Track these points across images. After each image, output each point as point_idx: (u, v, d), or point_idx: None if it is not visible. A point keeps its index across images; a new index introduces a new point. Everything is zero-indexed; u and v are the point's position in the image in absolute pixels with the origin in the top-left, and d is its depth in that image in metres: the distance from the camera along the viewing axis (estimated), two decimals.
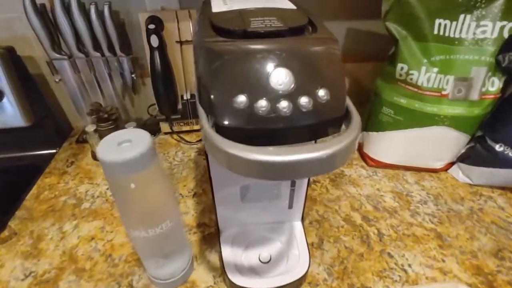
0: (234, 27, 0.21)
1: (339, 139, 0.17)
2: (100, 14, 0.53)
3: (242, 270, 0.36)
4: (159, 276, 0.36)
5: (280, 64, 0.19)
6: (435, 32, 0.44)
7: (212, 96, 0.19)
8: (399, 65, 0.47)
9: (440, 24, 0.43)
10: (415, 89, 0.47)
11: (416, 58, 0.46)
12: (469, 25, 0.43)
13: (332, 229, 0.46)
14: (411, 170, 0.57)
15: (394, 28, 0.46)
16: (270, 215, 0.41)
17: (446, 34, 0.44)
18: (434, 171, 0.56)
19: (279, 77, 0.18)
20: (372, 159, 0.57)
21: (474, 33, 0.43)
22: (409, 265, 0.41)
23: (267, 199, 0.38)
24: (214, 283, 0.38)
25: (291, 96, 0.18)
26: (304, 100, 0.18)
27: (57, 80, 0.59)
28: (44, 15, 0.52)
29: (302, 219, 0.42)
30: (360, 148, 0.61)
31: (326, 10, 0.65)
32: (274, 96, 0.18)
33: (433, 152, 0.53)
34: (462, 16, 0.42)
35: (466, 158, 0.54)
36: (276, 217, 0.41)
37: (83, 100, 0.62)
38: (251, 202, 0.38)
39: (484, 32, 0.42)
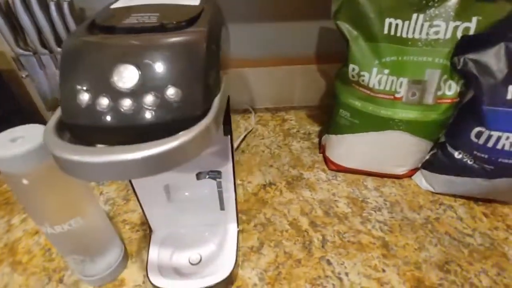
0: (102, 23, 0.20)
1: (161, 142, 0.16)
2: (61, 11, 0.54)
3: (166, 270, 0.36)
4: (83, 273, 0.36)
5: (126, 60, 0.18)
6: (386, 32, 0.42)
7: (59, 92, 0.18)
8: (351, 66, 0.45)
9: (391, 24, 0.41)
10: (368, 91, 0.45)
11: (367, 59, 0.44)
12: (422, 25, 0.41)
13: (275, 233, 0.45)
14: (374, 176, 0.55)
15: (345, 27, 0.44)
16: (204, 216, 0.40)
17: (398, 34, 0.42)
18: (397, 177, 0.54)
19: (123, 73, 0.18)
20: (333, 163, 0.56)
21: (427, 34, 0.41)
22: (346, 274, 0.39)
23: (195, 199, 0.38)
24: (143, 282, 0.38)
25: (135, 94, 0.18)
26: (149, 99, 0.18)
27: (24, 75, 0.60)
28: (8, 11, 0.53)
29: (238, 221, 0.41)
30: (323, 151, 0.59)
31: (297, 9, 0.64)
32: (116, 94, 0.18)
33: (393, 158, 0.51)
34: (415, 15, 0.40)
35: (429, 165, 0.52)
36: (210, 219, 0.40)
37: (51, 96, 0.63)
38: (178, 202, 0.38)
39: (437, 32, 0.40)
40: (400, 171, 0.53)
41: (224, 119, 0.29)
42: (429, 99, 0.44)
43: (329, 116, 0.55)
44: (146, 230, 0.45)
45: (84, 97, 0.18)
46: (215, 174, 0.34)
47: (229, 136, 0.31)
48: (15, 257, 0.42)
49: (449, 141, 0.47)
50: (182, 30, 0.20)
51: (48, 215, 0.28)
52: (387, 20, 0.41)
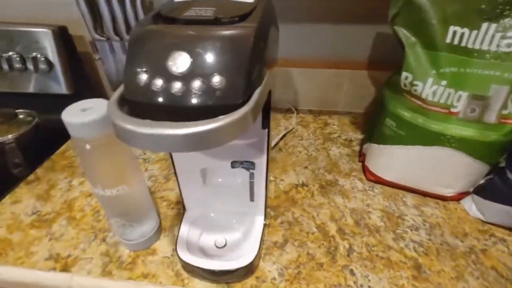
0: (165, 14, 0.23)
1: (202, 122, 0.18)
2: (134, 3, 0.60)
3: (193, 248, 0.38)
4: (123, 236, 0.40)
5: (181, 48, 0.20)
6: (448, 40, 0.39)
7: (124, 71, 0.21)
8: (404, 74, 0.43)
9: (455, 32, 0.38)
10: (420, 102, 0.43)
11: (423, 68, 0.41)
12: (493, 36, 0.37)
13: (301, 234, 0.45)
14: (415, 193, 0.52)
15: (402, 33, 0.42)
16: (234, 204, 0.42)
17: (463, 44, 0.38)
18: (442, 198, 0.50)
19: (177, 59, 0.20)
20: (372, 173, 0.53)
21: (498, 46, 0.37)
22: (369, 287, 0.38)
23: (228, 186, 0.39)
24: (171, 255, 0.41)
25: (185, 78, 0.20)
26: (196, 84, 0.20)
27: (96, 58, 0.68)
28: (91, 1, 0.61)
29: (265, 215, 0.42)
30: (363, 160, 0.57)
31: (353, 11, 0.62)
32: (169, 77, 0.20)
33: (439, 177, 0.48)
34: (485, 25, 0.37)
35: (483, 190, 0.47)
36: (240, 208, 0.42)
37: (116, 77, 0.71)
38: (212, 187, 0.40)
39: (510, 45, 0.36)
40: (447, 192, 0.49)
41: (263, 112, 0.30)
42: (491, 118, 0.40)
43: (373, 123, 0.53)
44: (180, 209, 0.48)
45: (143, 77, 0.20)
46: (249, 165, 0.36)
47: (266, 130, 0.32)
48: (71, 213, 0.48)
49: (509, 167, 0.42)
50: (233, 25, 0.22)
51: (101, 179, 0.33)
52: (452, 28, 0.38)
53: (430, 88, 0.41)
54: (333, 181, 0.55)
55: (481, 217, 0.47)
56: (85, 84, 0.71)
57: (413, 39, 0.42)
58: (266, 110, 0.30)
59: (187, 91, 0.20)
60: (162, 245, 0.43)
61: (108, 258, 0.41)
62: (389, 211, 0.48)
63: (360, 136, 0.67)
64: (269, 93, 0.29)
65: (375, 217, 0.48)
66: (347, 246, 0.43)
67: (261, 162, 0.35)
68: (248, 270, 0.38)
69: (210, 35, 0.21)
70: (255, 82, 0.22)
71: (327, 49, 0.69)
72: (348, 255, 0.42)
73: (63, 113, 0.29)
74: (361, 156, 0.59)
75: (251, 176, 0.37)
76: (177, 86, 0.20)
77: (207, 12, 0.24)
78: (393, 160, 0.50)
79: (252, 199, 0.40)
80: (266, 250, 0.42)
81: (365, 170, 0.55)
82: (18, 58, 0.62)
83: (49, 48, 0.63)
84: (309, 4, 0.63)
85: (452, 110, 0.41)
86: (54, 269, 0.40)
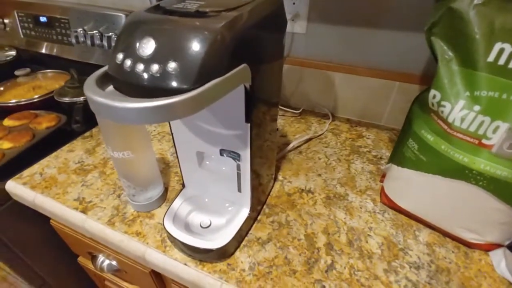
0: (161, 5, 0.26)
1: (159, 100, 0.20)
2: None
3: (179, 222, 0.42)
4: (130, 196, 0.46)
5: (149, 33, 0.23)
6: (491, 59, 0.33)
7: (111, 51, 0.25)
8: (432, 92, 0.38)
9: (502, 50, 0.32)
10: (445, 126, 0.37)
11: (455, 88, 0.36)
12: None
13: (287, 237, 0.44)
14: (435, 231, 0.45)
15: (439, 45, 0.37)
16: (224, 192, 0.44)
17: (510, 66, 0.32)
18: (467, 244, 0.43)
19: (145, 44, 0.23)
20: (387, 196, 0.49)
21: None
22: None
23: (219, 173, 0.42)
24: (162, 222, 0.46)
25: (147, 61, 0.22)
26: (155, 67, 0.22)
27: None
28: None
29: (257, 209, 0.43)
30: (383, 179, 0.52)
31: (410, 19, 0.57)
32: (136, 58, 0.23)
33: (461, 218, 0.41)
34: None
35: None
36: (229, 196, 0.44)
37: None
38: (207, 171, 0.42)
39: None
40: (470, 238, 0.42)
41: (246, 106, 0.31)
42: None
43: (398, 142, 0.48)
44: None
45: (120, 56, 0.24)
46: (235, 156, 0.37)
47: (249, 124, 0.33)
48: (104, 168, 0.57)
49: None
50: (207, 18, 0.24)
51: (111, 142, 0.39)
52: (497, 45, 0.32)
53: (459, 112, 0.35)
54: (343, 195, 0.52)
55: (509, 278, 0.38)
56: None
57: (450, 54, 0.36)
58: (248, 105, 0.31)
59: (147, 72, 0.22)
60: (161, 213, 0.48)
61: (116, 212, 0.48)
62: (392, 240, 0.44)
63: None
64: (251, 88, 0.29)
65: (373, 242, 0.44)
66: (329, 262, 0.41)
67: (245, 155, 0.36)
68: (221, 254, 0.40)
69: (175, 25, 0.23)
70: (213, 74, 0.23)
71: (377, 57, 0.65)
72: (326, 271, 0.40)
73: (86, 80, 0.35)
74: (383, 176, 0.54)
75: (238, 167, 0.38)
76: (140, 67, 0.22)
77: (193, 5, 0.26)
78: (410, 187, 0.44)
79: (239, 190, 0.41)
80: (247, 243, 0.43)
81: (381, 191, 0.51)
82: (99, 36, 0.75)
83: None
84: (362, 5, 0.59)
85: (484, 142, 0.35)
86: (76, 209, 0.49)
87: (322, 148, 0.63)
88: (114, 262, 0.57)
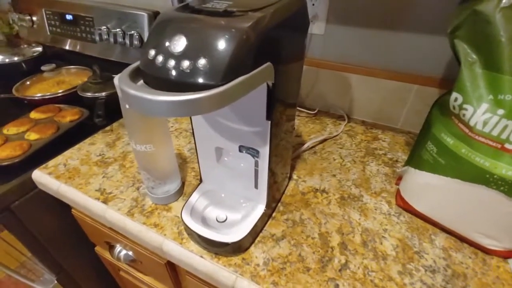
0: (190, 4, 0.27)
1: (187, 94, 0.21)
2: None
3: (196, 215, 0.43)
4: (148, 188, 0.48)
5: (181, 31, 0.24)
6: None
7: (143, 46, 0.26)
8: (454, 95, 0.38)
9: None
10: (466, 130, 0.37)
11: (478, 91, 0.35)
12: None
13: (301, 235, 0.45)
14: (451, 235, 0.45)
15: (462, 48, 0.37)
16: (241, 188, 0.45)
17: None
18: (485, 250, 0.42)
19: (176, 41, 0.24)
20: (402, 199, 0.48)
21: None
22: None
23: (236, 169, 0.42)
24: (180, 215, 0.47)
25: (179, 57, 0.23)
26: (186, 63, 0.23)
27: None
28: None
29: (272, 206, 0.44)
30: (399, 182, 0.52)
31: (431, 21, 0.56)
32: (168, 55, 0.24)
33: (480, 223, 0.40)
34: None
35: None
36: (245, 192, 0.45)
37: None
38: (224, 166, 0.43)
39: None
40: (488, 244, 0.41)
41: (267, 104, 0.32)
42: None
43: (416, 145, 0.48)
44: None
45: (152, 52, 0.25)
46: (254, 152, 0.38)
47: (270, 122, 0.33)
48: (124, 161, 0.59)
49: None
50: (235, 17, 0.25)
51: (134, 135, 0.40)
52: None
53: (482, 116, 0.35)
54: (357, 196, 0.52)
55: None
56: None
57: (474, 56, 0.36)
58: (269, 102, 0.32)
59: (178, 68, 0.23)
60: (178, 206, 0.49)
61: (135, 203, 0.50)
62: (407, 243, 0.44)
63: None
64: (274, 86, 0.30)
65: (388, 244, 0.44)
66: (343, 261, 0.41)
67: (264, 152, 0.37)
68: (237, 249, 0.41)
69: (206, 24, 0.24)
70: (240, 71, 0.24)
71: (395, 59, 0.64)
72: (339, 270, 0.40)
73: (116, 77, 0.37)
74: (399, 179, 0.53)
75: (256, 163, 0.39)
76: (171, 63, 0.24)
77: (222, 5, 0.27)
78: (427, 190, 0.44)
79: (256, 187, 0.42)
80: (261, 239, 0.44)
81: (397, 194, 0.51)
82: (121, 34, 0.78)
83: (144, 28, 0.77)
84: (381, 7, 0.59)
85: (508, 146, 0.34)
86: (98, 199, 0.51)
87: (337, 149, 0.64)
88: (130, 253, 0.58)
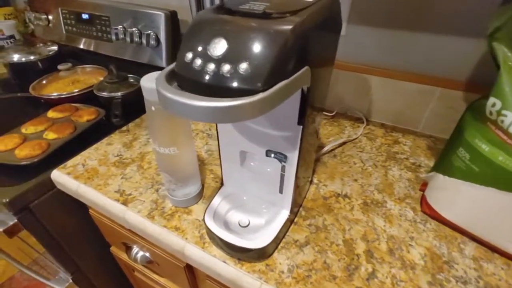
0: (225, 6, 0.26)
1: (223, 100, 0.20)
2: None
3: (218, 219, 0.42)
4: (169, 190, 0.47)
5: (221, 34, 0.23)
6: None
7: (179, 49, 0.25)
8: (492, 100, 0.36)
9: None
10: (504, 137, 0.35)
11: None
12: None
13: (325, 241, 0.44)
14: (481, 245, 0.43)
15: (501, 51, 0.35)
16: (264, 192, 0.44)
17: None
18: None
19: (216, 44, 0.23)
20: (429, 206, 0.47)
21: None
22: None
23: (261, 173, 0.42)
24: (202, 219, 0.46)
25: (219, 61, 0.23)
26: (226, 67, 0.22)
27: None
28: None
29: (294, 211, 0.43)
30: (424, 189, 0.51)
31: (455, 22, 0.54)
32: (207, 58, 0.23)
33: None
34: None
35: None
36: (269, 197, 0.44)
37: None
38: (248, 170, 0.43)
39: None
40: None
41: (300, 108, 0.31)
42: None
43: (445, 150, 0.46)
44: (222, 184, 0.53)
45: (189, 55, 0.24)
46: (282, 157, 0.37)
47: (301, 127, 0.32)
48: (141, 162, 0.59)
49: None
50: (275, 20, 0.24)
51: (159, 138, 0.39)
52: None
53: None
54: (381, 201, 0.51)
55: None
56: None
57: None
58: (302, 107, 0.31)
59: (217, 72, 0.23)
60: (198, 209, 0.48)
61: (155, 205, 0.49)
62: (436, 252, 0.42)
63: (433, 164, 0.59)
64: (308, 90, 0.29)
65: (415, 252, 0.42)
66: (370, 270, 0.40)
67: (293, 157, 0.36)
68: (261, 254, 0.40)
69: (247, 26, 0.23)
70: (281, 75, 0.23)
71: (418, 61, 0.62)
72: (367, 279, 0.39)
73: (143, 79, 0.36)
74: (423, 185, 0.52)
75: (283, 168, 0.38)
76: (211, 67, 0.23)
77: (260, 6, 0.26)
78: (457, 198, 0.43)
79: (281, 192, 0.41)
80: (285, 244, 0.43)
81: (422, 200, 0.49)
82: (137, 33, 0.77)
83: (160, 28, 0.76)
84: (406, 8, 0.58)
85: None
86: (117, 200, 0.50)
87: (357, 153, 0.62)
88: (147, 254, 0.58)
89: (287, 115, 0.32)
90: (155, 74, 0.37)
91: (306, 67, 0.26)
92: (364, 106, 0.72)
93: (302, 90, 0.29)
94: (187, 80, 0.25)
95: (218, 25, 0.24)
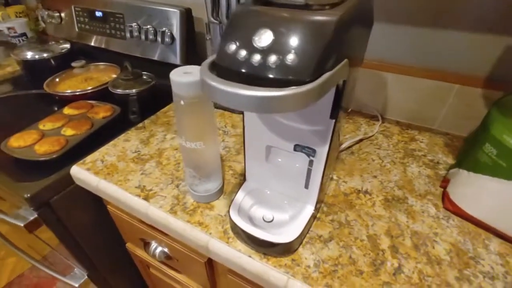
0: None
1: (274, 89, 0.20)
2: None
3: (243, 214, 0.43)
4: (191, 186, 0.47)
5: (267, 25, 0.23)
6: None
7: (220, 41, 0.25)
8: None
9: None
10: None
11: None
12: None
13: (349, 236, 0.44)
14: (505, 240, 0.43)
15: None
16: (289, 187, 0.44)
17: None
18: None
19: (262, 35, 0.23)
20: (452, 203, 0.47)
21: None
22: None
23: (287, 168, 0.42)
24: (225, 214, 0.47)
25: (265, 52, 0.23)
26: (273, 58, 0.22)
27: (207, 38, 0.79)
28: None
29: (316, 206, 0.43)
30: (445, 185, 0.50)
31: (473, 17, 0.54)
32: (252, 49, 0.23)
33: None
34: None
35: None
36: (294, 192, 0.44)
37: None
38: (273, 165, 0.43)
39: None
40: None
41: (334, 102, 0.31)
42: None
43: (468, 147, 0.46)
44: (242, 180, 0.53)
45: (232, 47, 0.24)
46: (310, 152, 0.37)
47: (334, 121, 0.32)
48: (160, 158, 0.59)
49: None
50: (319, 11, 0.24)
51: (186, 132, 0.39)
52: None
53: None
54: (402, 198, 0.50)
55: None
56: (195, 59, 0.84)
57: None
58: (337, 101, 0.31)
59: (263, 63, 0.23)
60: (220, 205, 0.48)
61: (176, 201, 0.49)
62: (461, 248, 0.42)
63: (451, 161, 0.59)
64: (344, 84, 0.29)
65: (440, 248, 0.42)
66: (396, 265, 0.40)
67: (322, 152, 0.36)
68: (286, 249, 0.40)
69: (294, 17, 0.23)
70: (326, 67, 0.23)
71: (436, 57, 0.62)
72: (394, 274, 0.39)
73: (172, 73, 0.36)
74: (444, 182, 0.52)
75: (310, 163, 0.38)
76: (256, 58, 0.23)
77: None
78: (483, 194, 0.43)
79: (306, 187, 0.41)
80: (309, 240, 0.43)
81: (444, 197, 0.49)
82: (152, 31, 0.78)
83: (175, 25, 0.77)
84: (426, 4, 0.57)
85: None
86: (138, 196, 0.50)
87: (375, 150, 0.62)
88: (166, 249, 0.58)
89: (320, 109, 0.32)
90: (182, 69, 0.37)
91: (345, 60, 0.26)
92: (379, 103, 0.72)
93: (337, 83, 0.29)
94: (230, 71, 0.25)
95: (262, 17, 0.24)
